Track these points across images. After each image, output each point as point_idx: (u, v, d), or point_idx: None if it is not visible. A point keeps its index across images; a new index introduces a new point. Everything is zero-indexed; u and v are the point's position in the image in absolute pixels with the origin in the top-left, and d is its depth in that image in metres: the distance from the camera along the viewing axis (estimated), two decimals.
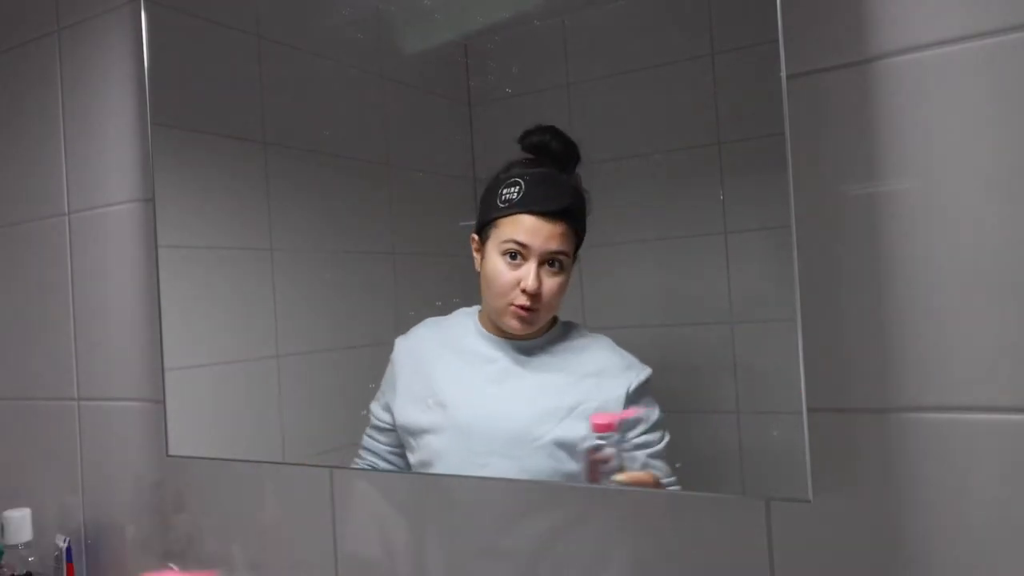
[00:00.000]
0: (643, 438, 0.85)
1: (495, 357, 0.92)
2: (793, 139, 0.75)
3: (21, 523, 1.31)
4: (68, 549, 1.31)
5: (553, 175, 0.89)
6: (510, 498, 0.95)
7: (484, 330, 0.94)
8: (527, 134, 0.89)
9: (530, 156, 0.90)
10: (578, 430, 0.85)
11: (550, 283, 0.87)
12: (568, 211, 0.87)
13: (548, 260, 0.87)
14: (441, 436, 0.94)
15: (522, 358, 0.92)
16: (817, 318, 0.76)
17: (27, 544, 1.31)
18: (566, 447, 0.86)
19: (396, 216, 1.07)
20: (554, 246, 0.86)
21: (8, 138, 1.51)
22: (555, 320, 0.92)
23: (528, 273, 0.87)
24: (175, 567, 1.23)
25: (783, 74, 0.73)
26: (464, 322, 0.95)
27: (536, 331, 0.91)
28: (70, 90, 1.40)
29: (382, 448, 1.00)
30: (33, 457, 1.47)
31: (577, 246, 0.88)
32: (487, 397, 0.93)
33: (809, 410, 0.73)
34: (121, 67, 1.32)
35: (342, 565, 1.09)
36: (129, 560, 1.32)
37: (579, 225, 0.88)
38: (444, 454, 0.93)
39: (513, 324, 0.90)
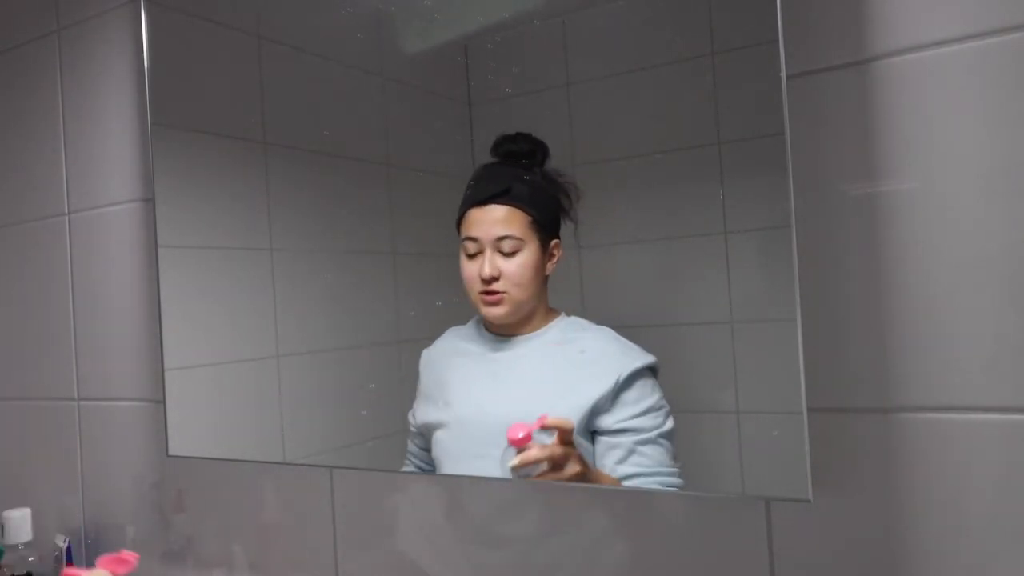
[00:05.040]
0: (631, 423, 0.86)
1: (495, 353, 0.95)
2: (793, 139, 0.75)
3: (21, 523, 1.31)
4: (68, 549, 1.31)
5: (496, 167, 0.93)
6: (506, 496, 0.95)
7: (486, 330, 0.96)
8: (496, 144, 0.93)
9: (498, 161, 0.93)
10: (567, 419, 0.86)
11: (507, 266, 0.90)
12: (508, 193, 0.90)
13: (500, 245, 0.90)
14: (446, 431, 0.97)
15: (520, 352, 0.93)
16: (817, 318, 0.76)
17: (27, 544, 1.31)
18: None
19: (396, 216, 1.07)
20: (500, 230, 0.90)
21: (8, 138, 1.51)
22: (557, 314, 0.93)
23: (483, 262, 0.90)
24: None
25: (783, 74, 0.73)
26: (473, 326, 0.98)
27: (532, 324, 0.93)
28: (70, 90, 1.40)
29: (419, 451, 1.02)
30: (33, 457, 1.47)
31: (542, 227, 0.90)
32: (484, 391, 0.95)
33: (809, 410, 0.74)
34: (121, 67, 1.32)
35: (342, 565, 1.09)
36: None
37: (531, 207, 0.90)
38: (449, 448, 0.96)
39: (488, 312, 0.93)
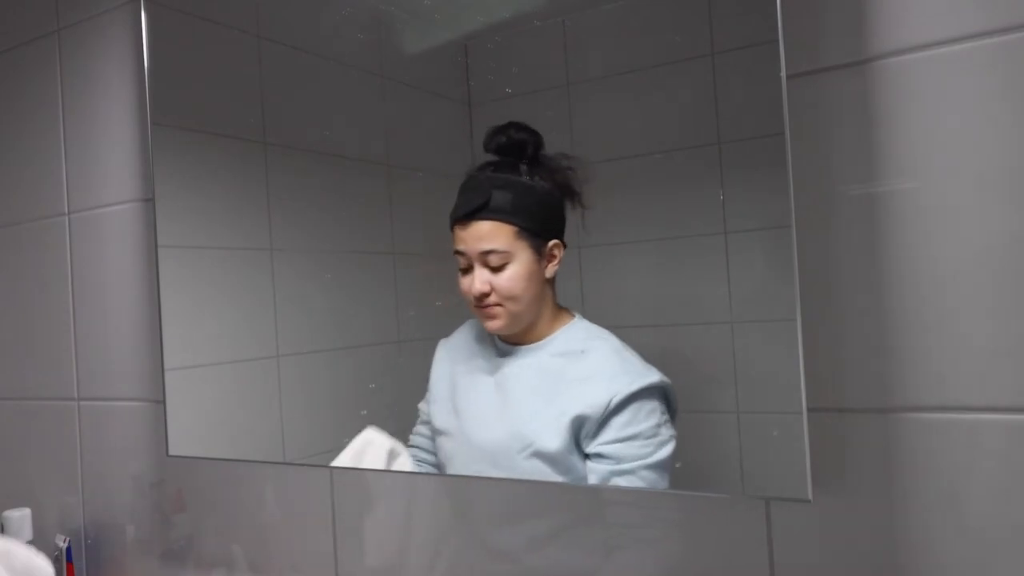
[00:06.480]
0: (606, 448, 0.83)
1: (501, 363, 0.93)
2: (793, 139, 0.75)
3: (21, 523, 1.31)
4: (68, 549, 1.31)
5: (478, 177, 0.90)
6: (507, 499, 0.95)
7: (498, 337, 0.94)
8: (487, 140, 0.90)
9: (494, 158, 0.90)
10: (558, 441, 0.85)
11: (498, 279, 0.88)
12: (487, 206, 0.87)
13: (487, 260, 0.88)
14: (451, 440, 0.96)
15: (523, 363, 0.91)
16: (817, 318, 0.76)
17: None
18: (546, 459, 0.86)
19: (396, 216, 1.07)
20: (484, 245, 0.87)
21: (8, 138, 1.51)
22: (567, 318, 0.90)
23: (473, 278, 0.88)
24: None
25: (783, 74, 0.73)
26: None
27: (537, 331, 0.91)
28: (70, 90, 1.40)
29: (425, 440, 1.00)
30: (33, 457, 1.47)
31: (532, 233, 0.87)
32: (488, 406, 0.93)
33: (809, 410, 0.73)
34: (121, 67, 1.32)
35: (342, 565, 1.09)
36: (129, 560, 1.32)
37: (515, 215, 0.87)
38: (453, 458, 0.95)
39: (488, 325, 0.91)
